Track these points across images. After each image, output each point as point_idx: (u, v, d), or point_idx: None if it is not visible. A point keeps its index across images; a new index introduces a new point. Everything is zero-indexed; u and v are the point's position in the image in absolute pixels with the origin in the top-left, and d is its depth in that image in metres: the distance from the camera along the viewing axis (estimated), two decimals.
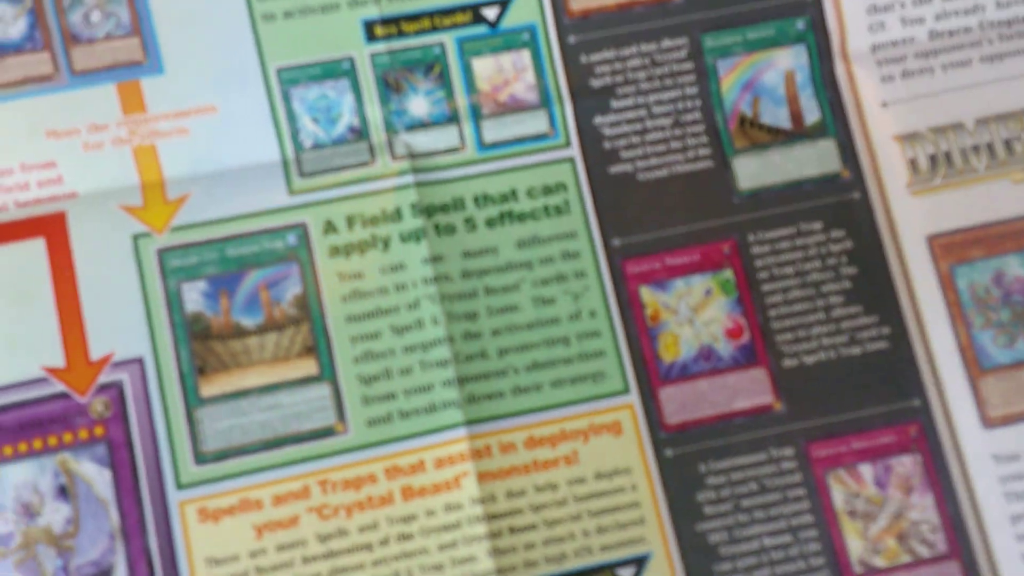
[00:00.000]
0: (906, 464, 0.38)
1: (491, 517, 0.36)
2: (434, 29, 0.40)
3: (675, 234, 0.39)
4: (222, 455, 0.36)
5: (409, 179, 0.39)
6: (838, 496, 0.38)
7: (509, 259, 0.39)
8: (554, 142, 0.40)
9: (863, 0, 0.41)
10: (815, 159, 0.40)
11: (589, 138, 0.40)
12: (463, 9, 0.40)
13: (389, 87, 0.39)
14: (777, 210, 0.40)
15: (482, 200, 0.39)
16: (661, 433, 0.38)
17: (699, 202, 0.40)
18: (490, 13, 0.40)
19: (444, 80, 0.40)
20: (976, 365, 0.38)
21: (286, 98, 0.38)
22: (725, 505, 0.37)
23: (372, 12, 0.39)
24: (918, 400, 0.38)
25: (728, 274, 0.39)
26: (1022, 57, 0.40)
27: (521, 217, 0.39)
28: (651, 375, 0.38)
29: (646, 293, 0.39)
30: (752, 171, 0.40)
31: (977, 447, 0.38)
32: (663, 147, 0.40)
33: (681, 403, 0.38)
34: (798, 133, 0.40)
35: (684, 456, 0.38)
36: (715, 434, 0.38)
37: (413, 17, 0.40)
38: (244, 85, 0.38)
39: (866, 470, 0.38)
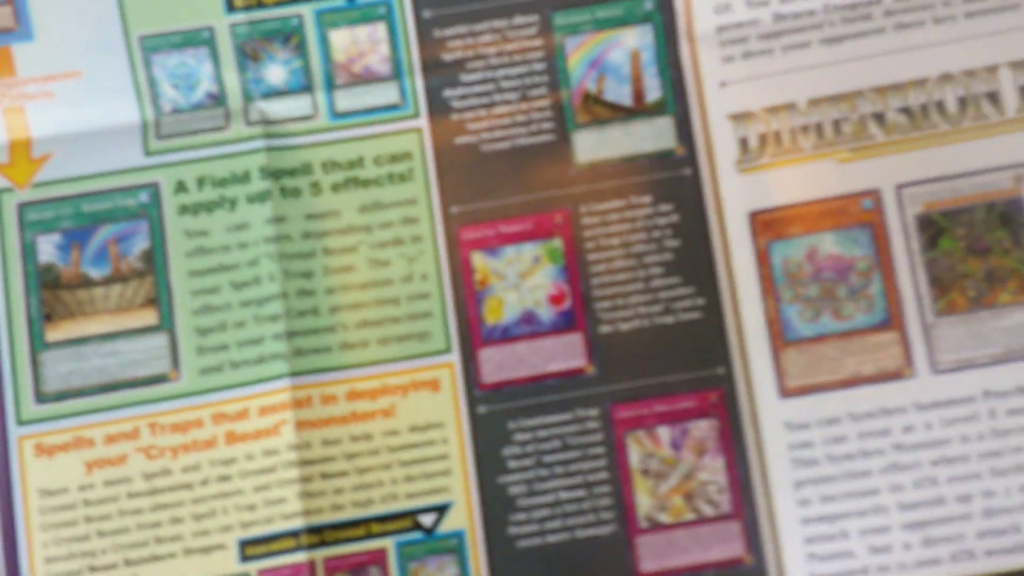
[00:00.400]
0: (703, 428, 0.43)
1: (304, 463, 0.43)
2: (293, 1, 0.46)
3: (512, 203, 0.45)
4: (61, 396, 0.43)
5: (260, 144, 0.45)
6: (634, 455, 0.43)
7: (350, 222, 0.45)
8: (403, 112, 0.46)
9: None
10: (652, 136, 0.45)
11: (438, 110, 0.46)
12: None
13: (247, 56, 0.46)
14: (610, 183, 0.45)
15: (330, 166, 0.45)
16: (477, 391, 0.44)
17: (537, 174, 0.45)
18: None
19: (301, 50, 0.46)
20: (780, 338, 0.43)
21: (147, 64, 0.45)
22: (528, 460, 0.43)
23: None
24: (723, 368, 0.43)
25: (557, 243, 0.45)
26: (860, 40, 0.44)
27: (366, 183, 0.45)
28: (473, 336, 0.44)
29: (477, 258, 0.45)
30: (590, 145, 0.45)
31: (772, 415, 0.42)
32: (508, 120, 0.45)
33: (499, 364, 0.44)
34: (638, 110, 0.45)
35: (495, 413, 0.43)
36: (527, 394, 0.44)
37: None
38: (108, 52, 0.45)
39: (664, 432, 0.43)
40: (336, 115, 0.44)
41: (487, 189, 0.44)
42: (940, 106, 0.42)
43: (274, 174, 0.44)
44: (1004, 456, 0.40)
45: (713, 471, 0.41)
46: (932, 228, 0.41)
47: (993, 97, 0.42)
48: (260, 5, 0.44)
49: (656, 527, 0.41)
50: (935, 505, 0.40)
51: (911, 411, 0.40)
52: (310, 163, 0.44)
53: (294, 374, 0.42)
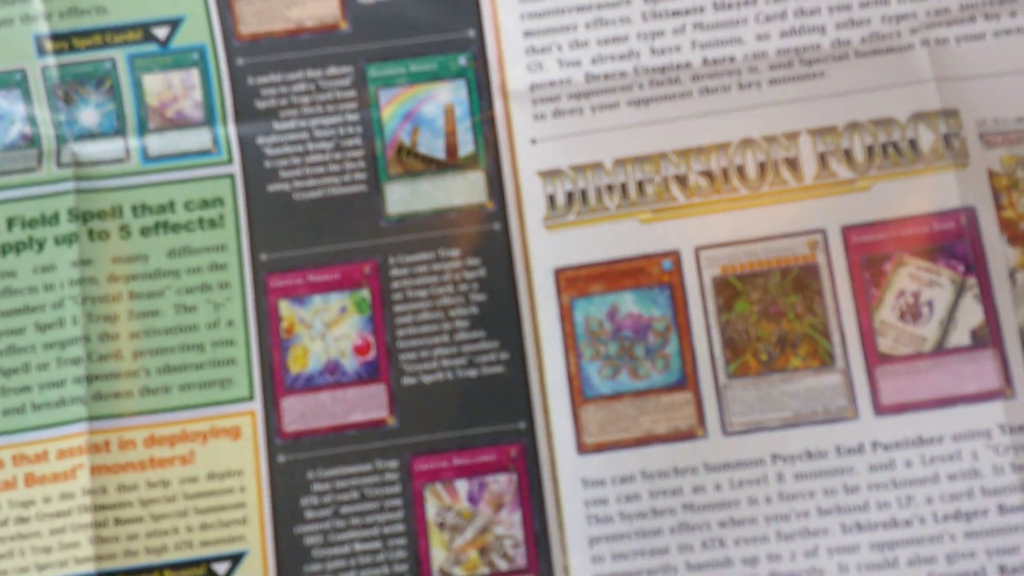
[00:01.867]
0: (501, 482, 0.44)
1: (98, 508, 0.42)
2: (105, 45, 0.46)
3: (322, 252, 0.45)
4: None
5: (70, 185, 0.45)
6: (431, 508, 0.43)
7: (158, 266, 0.45)
8: (216, 158, 0.46)
9: (523, 40, 0.46)
10: (463, 189, 0.46)
11: (250, 157, 0.46)
12: (134, 28, 0.46)
13: (59, 98, 0.46)
14: (420, 236, 0.45)
15: (140, 209, 0.45)
16: (277, 440, 0.44)
17: (348, 224, 0.46)
18: (160, 33, 0.46)
19: (114, 94, 0.46)
20: (580, 394, 0.44)
21: None
22: (326, 511, 0.43)
23: (42, 28, 0.46)
24: (524, 423, 0.44)
25: (365, 293, 0.45)
26: (667, 103, 0.46)
27: (176, 228, 0.45)
28: (277, 384, 0.44)
29: (285, 307, 0.45)
30: (402, 197, 0.46)
31: (570, 471, 0.43)
32: (322, 169, 0.46)
33: (301, 413, 0.44)
34: (451, 164, 0.46)
35: (295, 463, 0.44)
36: (328, 444, 0.44)
37: (84, 34, 0.46)
38: None
39: (462, 486, 0.44)
40: (148, 159, 0.45)
41: (298, 237, 0.44)
42: (740, 170, 0.43)
43: (82, 216, 0.44)
44: (790, 520, 0.41)
45: (509, 525, 0.42)
46: (728, 291, 0.43)
47: (792, 163, 0.43)
48: (72, 49, 0.45)
49: None
50: (722, 567, 0.41)
51: (702, 471, 0.42)
52: (120, 206, 0.44)
53: (92, 418, 0.42)
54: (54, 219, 0.44)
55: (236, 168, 0.45)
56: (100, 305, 0.43)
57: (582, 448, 0.43)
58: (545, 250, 0.44)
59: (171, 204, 0.45)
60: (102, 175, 0.45)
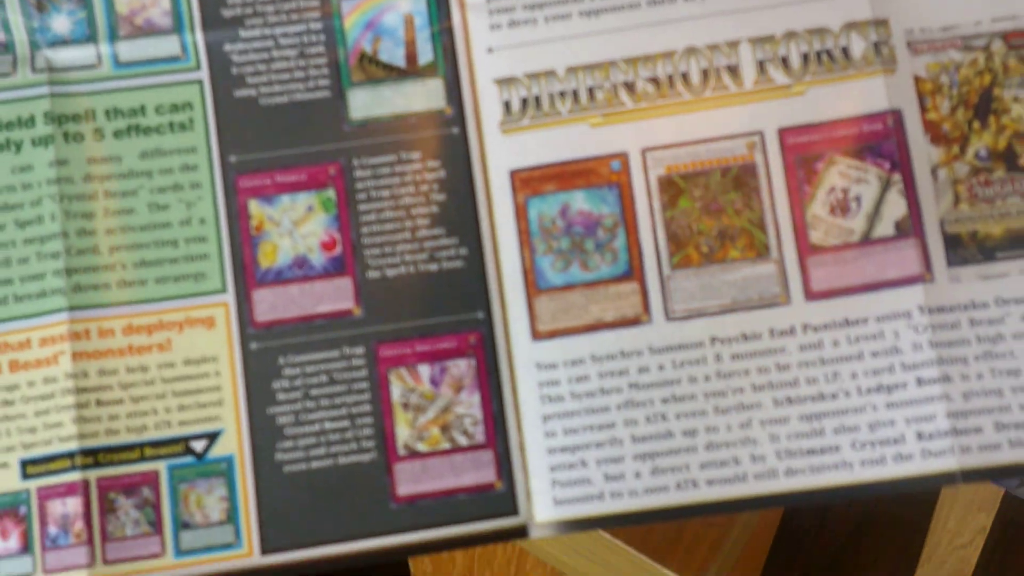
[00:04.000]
0: (461, 367, 0.47)
1: (80, 391, 0.46)
2: None
3: (288, 154, 0.49)
4: None
5: (44, 90, 0.48)
6: (396, 390, 0.47)
7: (131, 167, 0.48)
8: (184, 65, 0.49)
9: None
10: (423, 96, 0.49)
11: (217, 63, 0.49)
12: None
13: (31, 5, 0.48)
14: (382, 139, 0.49)
15: (112, 113, 0.48)
16: (250, 329, 0.47)
17: (313, 128, 0.49)
18: None
19: (86, 2, 0.49)
20: (534, 285, 0.48)
21: None
22: (296, 393, 0.47)
23: None
24: (482, 313, 0.48)
25: (331, 193, 0.49)
26: (616, 13, 0.49)
27: (147, 131, 0.48)
28: (248, 278, 0.48)
29: (254, 206, 0.48)
30: (364, 103, 0.49)
31: (525, 355, 0.47)
32: (287, 76, 0.49)
33: (271, 304, 0.48)
34: (411, 72, 0.49)
35: (267, 350, 0.47)
36: (298, 332, 0.47)
37: None
38: None
39: (424, 370, 0.47)
40: (119, 65, 0.47)
41: (265, 140, 0.47)
42: (685, 77, 0.47)
43: (57, 119, 0.46)
44: (727, 396, 0.45)
45: (469, 405, 0.46)
46: (672, 189, 0.46)
47: (733, 70, 0.47)
48: None
49: (413, 455, 0.45)
50: (664, 439, 0.45)
51: (646, 354, 0.46)
52: (93, 110, 0.47)
53: (72, 308, 0.45)
54: (30, 122, 0.47)
55: (204, 74, 0.48)
56: (77, 203, 0.46)
57: (536, 335, 0.46)
58: (501, 153, 0.48)
59: (142, 108, 0.48)
60: (75, 80, 0.47)
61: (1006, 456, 0.43)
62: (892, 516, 1.55)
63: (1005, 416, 0.44)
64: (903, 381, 0.45)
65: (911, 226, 0.46)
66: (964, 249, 0.45)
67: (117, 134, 0.48)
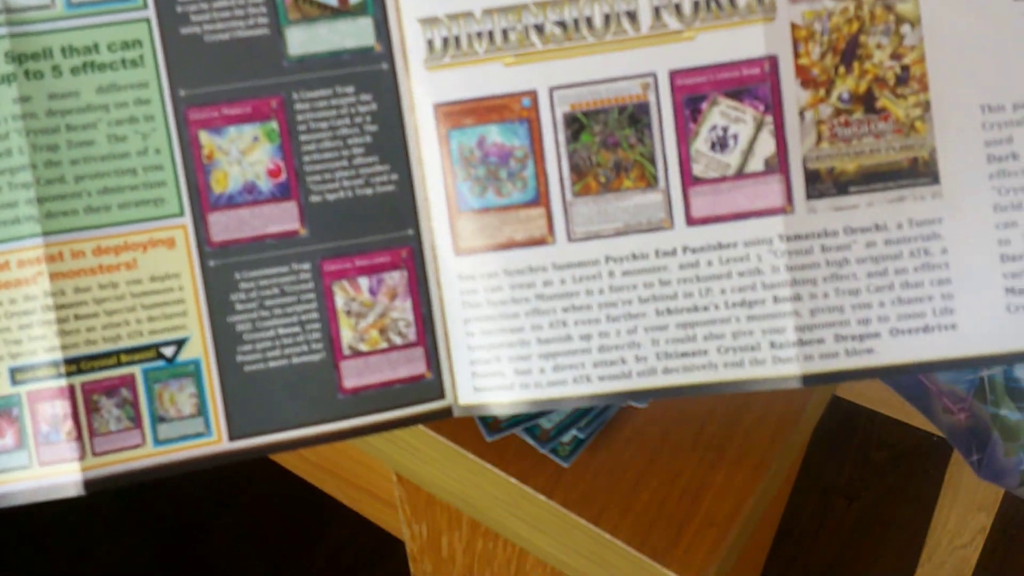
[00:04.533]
0: (395, 278, 0.56)
1: (59, 307, 0.53)
2: None
3: (233, 88, 0.54)
4: None
5: (4, 31, 0.52)
6: (339, 300, 0.55)
7: (89, 102, 0.53)
8: (133, 4, 0.53)
9: None
10: (355, 34, 0.55)
11: (163, 2, 0.54)
12: None
13: None
14: (319, 74, 0.55)
15: (68, 51, 0.53)
16: (207, 248, 0.55)
17: (255, 63, 0.54)
18: None
19: None
20: (456, 208, 0.55)
21: None
22: (252, 304, 0.55)
23: None
24: (412, 231, 0.55)
25: (274, 125, 0.55)
26: None
27: (102, 67, 0.53)
28: (203, 203, 0.55)
29: (204, 136, 0.54)
30: (301, 40, 0.54)
31: (449, 268, 0.55)
32: (228, 14, 0.54)
33: (225, 226, 0.55)
34: (343, 11, 0.55)
35: (224, 266, 0.55)
36: (251, 251, 0.55)
37: None
38: None
39: (363, 281, 0.55)
40: (71, 5, 0.52)
41: (211, 75, 0.53)
42: (589, 21, 0.53)
43: (18, 58, 0.51)
44: (617, 306, 0.54)
45: (402, 311, 0.54)
46: (575, 125, 0.53)
47: (631, 16, 0.53)
48: None
49: (356, 354, 0.54)
50: (564, 341, 0.54)
51: (551, 270, 0.54)
52: (50, 48, 0.52)
53: (46, 233, 0.52)
54: None
55: (151, 12, 0.53)
56: (42, 137, 0.52)
57: (458, 251, 0.54)
58: (426, 88, 0.54)
59: (96, 46, 0.52)
60: (31, 20, 0.52)
61: (842, 363, 0.53)
62: (892, 516, 1.62)
63: (844, 329, 0.53)
64: (762, 298, 0.54)
65: (777, 163, 0.54)
66: (821, 184, 0.53)
67: (74, 71, 0.53)
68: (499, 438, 0.65)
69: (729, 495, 0.62)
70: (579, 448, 0.64)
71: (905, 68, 0.53)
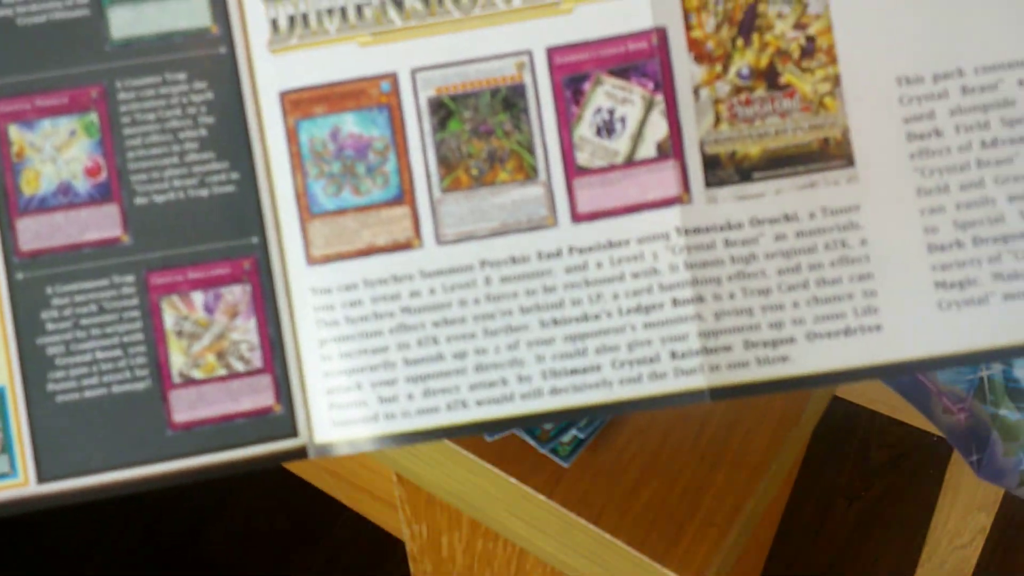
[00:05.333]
0: (236, 293, 0.48)
1: None
2: None
3: (49, 77, 0.48)
4: None
5: None
6: (169, 318, 0.48)
7: None
8: None
9: None
10: (187, 14, 0.48)
11: None
12: None
13: None
14: (146, 60, 0.48)
15: None
16: (14, 259, 0.47)
17: (74, 48, 0.48)
18: None
19: None
20: (307, 210, 0.48)
21: None
22: (66, 323, 0.47)
23: None
24: (257, 238, 0.48)
25: (93, 117, 0.48)
26: None
27: None
28: (11, 207, 0.47)
29: (14, 131, 0.48)
30: (126, 21, 0.48)
31: (300, 281, 0.48)
32: None
33: (36, 233, 0.47)
34: None
35: (33, 279, 0.47)
36: (65, 261, 0.47)
37: None
38: None
39: (198, 297, 0.48)
40: None
41: (24, 63, 0.46)
42: None
43: None
44: (496, 318, 0.47)
45: (245, 331, 0.47)
46: (442, 111, 0.47)
47: None
48: None
49: (189, 382, 0.46)
50: (435, 361, 0.47)
51: (418, 278, 0.47)
52: None
53: None
54: None
55: None
56: None
57: (311, 260, 0.47)
58: (270, 73, 0.47)
59: None
60: None
61: (753, 374, 0.46)
62: (892, 516, 1.63)
63: (754, 335, 0.46)
64: (660, 302, 0.47)
65: (671, 147, 0.47)
66: (722, 170, 0.47)
67: None
68: (499, 438, 0.63)
69: (729, 495, 0.62)
70: (579, 448, 0.63)
71: (810, 39, 0.47)
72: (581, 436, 0.63)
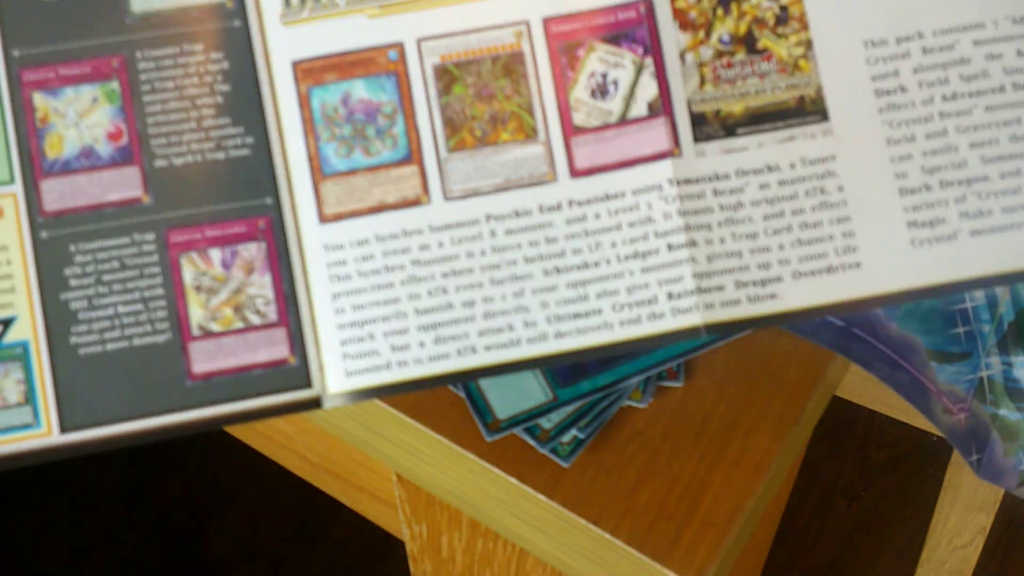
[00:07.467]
0: (251, 250, 0.52)
1: None
2: None
3: (72, 48, 0.51)
4: None
5: None
6: (188, 274, 0.51)
7: None
8: None
9: None
10: None
11: None
12: None
13: None
14: (164, 32, 0.52)
15: None
16: (39, 218, 0.50)
17: (96, 21, 0.52)
18: None
19: None
20: (320, 171, 0.52)
21: None
22: (88, 279, 0.50)
23: None
24: (271, 199, 0.52)
25: (114, 85, 0.52)
26: None
27: None
28: (36, 169, 0.51)
29: (38, 98, 0.51)
30: None
31: (313, 238, 0.52)
32: None
33: (60, 194, 0.51)
34: None
35: (57, 238, 0.50)
36: (87, 220, 0.51)
37: None
38: None
39: (215, 254, 0.51)
40: None
41: (48, 34, 0.50)
42: None
43: None
44: (501, 268, 0.51)
45: (261, 286, 0.50)
46: (447, 77, 0.51)
47: None
48: None
49: (207, 335, 0.50)
50: (445, 310, 0.50)
51: (427, 232, 0.51)
52: None
53: None
54: None
55: None
56: None
57: (323, 218, 0.51)
58: (283, 44, 0.52)
59: None
60: None
61: (745, 310, 0.51)
62: (892, 516, 1.66)
63: (744, 275, 0.51)
64: (656, 248, 0.51)
65: (661, 106, 0.52)
66: (709, 126, 0.52)
67: None
68: (499, 438, 0.64)
69: (729, 495, 0.63)
70: (579, 448, 0.64)
71: (784, 8, 0.52)
72: (581, 436, 0.64)
